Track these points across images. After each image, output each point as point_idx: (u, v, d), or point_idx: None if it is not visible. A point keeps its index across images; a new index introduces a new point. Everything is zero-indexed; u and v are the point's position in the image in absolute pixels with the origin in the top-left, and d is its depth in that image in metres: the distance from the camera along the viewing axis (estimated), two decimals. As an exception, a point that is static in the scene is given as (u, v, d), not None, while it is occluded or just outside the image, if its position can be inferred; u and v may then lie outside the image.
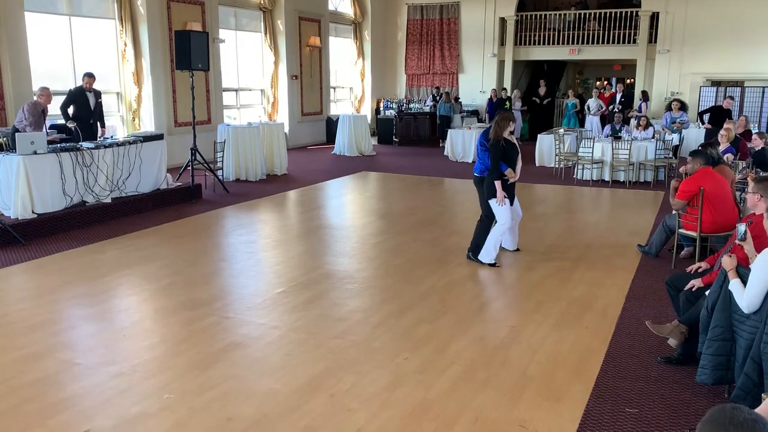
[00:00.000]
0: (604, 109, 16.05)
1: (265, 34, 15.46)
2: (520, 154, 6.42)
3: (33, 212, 7.49)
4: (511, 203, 6.32)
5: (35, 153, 7.52)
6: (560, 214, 9.12)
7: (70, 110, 9.19)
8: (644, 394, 3.83)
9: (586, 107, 16.49)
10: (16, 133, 7.70)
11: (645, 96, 16.31)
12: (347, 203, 10.21)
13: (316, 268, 6.39)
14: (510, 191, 6.30)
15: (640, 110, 15.55)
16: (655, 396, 3.81)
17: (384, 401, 3.74)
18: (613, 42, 18.06)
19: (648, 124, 12.10)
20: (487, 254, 6.30)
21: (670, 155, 11.75)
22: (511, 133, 6.25)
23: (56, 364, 4.21)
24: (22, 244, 7.00)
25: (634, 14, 17.70)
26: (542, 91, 18.32)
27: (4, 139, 8.38)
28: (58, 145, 8.08)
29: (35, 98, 8.87)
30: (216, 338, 4.68)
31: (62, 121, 9.37)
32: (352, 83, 19.75)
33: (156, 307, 5.40)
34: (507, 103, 17.10)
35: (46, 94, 8.74)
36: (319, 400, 3.76)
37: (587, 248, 7.13)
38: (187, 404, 3.72)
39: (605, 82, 22.00)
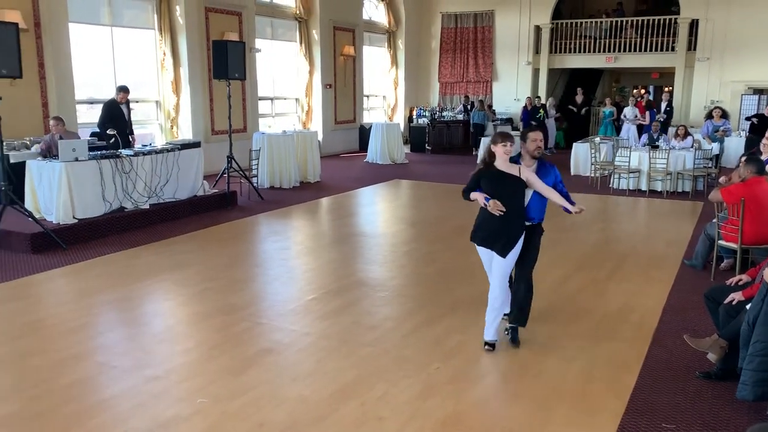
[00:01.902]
0: (641, 118, 15.78)
1: (301, 43, 15.63)
2: (521, 191, 4.45)
3: (74, 217, 7.68)
4: (489, 246, 4.50)
5: (77, 160, 7.72)
6: (596, 224, 8.99)
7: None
8: (682, 409, 3.74)
9: (622, 116, 16.24)
10: (59, 141, 7.91)
11: (649, 105, 16.06)
12: (379, 211, 10.23)
13: (347, 276, 6.41)
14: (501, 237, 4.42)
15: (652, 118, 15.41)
16: (692, 412, 3.71)
17: (414, 411, 3.72)
18: (651, 50, 17.78)
19: (687, 133, 11.86)
20: (488, 332, 4.60)
21: (710, 164, 11.48)
22: (514, 159, 4.52)
23: (94, 366, 4.31)
24: (63, 249, 7.18)
25: (672, 21, 17.40)
26: (579, 99, 18.12)
27: (43, 150, 8.59)
28: (99, 152, 8.28)
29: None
30: (249, 344, 4.72)
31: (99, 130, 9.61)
32: (385, 91, 19.82)
33: (191, 312, 5.48)
34: (541, 111, 16.95)
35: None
36: (350, 408, 3.76)
37: (623, 259, 7.00)
38: (220, 409, 3.76)
39: (643, 90, 21.68)
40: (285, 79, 15.68)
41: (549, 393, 3.95)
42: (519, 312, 4.66)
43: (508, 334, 4.72)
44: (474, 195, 4.48)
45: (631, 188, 11.35)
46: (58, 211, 7.57)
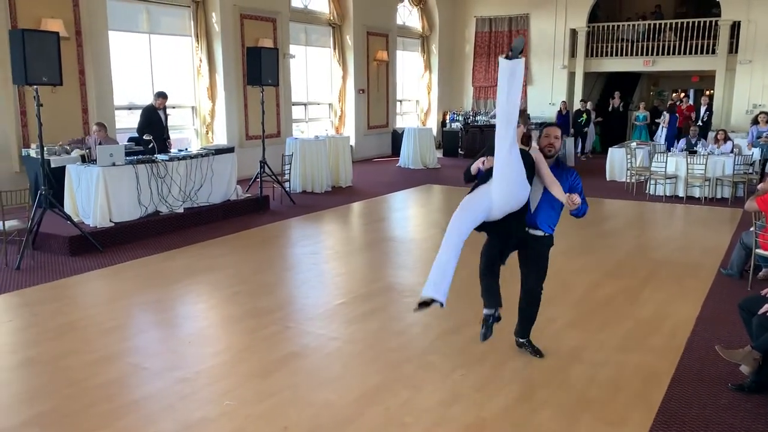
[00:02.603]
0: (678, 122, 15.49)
1: (334, 49, 15.75)
2: (527, 169, 4.03)
3: (110, 221, 7.87)
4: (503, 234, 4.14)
5: (114, 165, 7.92)
6: (630, 231, 8.84)
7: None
8: (712, 422, 3.66)
9: (661, 120, 15.94)
10: (98, 146, 8.13)
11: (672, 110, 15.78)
12: (410, 216, 10.24)
13: (376, 281, 6.43)
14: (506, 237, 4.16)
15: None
16: (723, 425, 3.63)
17: (439, 417, 3.72)
18: (691, 52, 17.40)
19: (726, 138, 11.58)
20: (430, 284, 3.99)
21: (750, 170, 11.18)
22: (528, 136, 4.22)
23: (125, 367, 4.41)
24: (100, 251, 7.36)
25: (713, 24, 17.01)
26: (616, 102, 17.85)
27: (87, 151, 8.85)
28: (135, 157, 8.48)
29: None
30: (277, 347, 4.78)
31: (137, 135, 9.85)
32: (418, 96, 19.83)
33: (222, 315, 5.57)
34: (584, 116, 16.73)
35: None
36: (374, 413, 3.77)
37: (658, 267, 6.87)
38: (246, 411, 3.81)
39: (682, 94, 21.24)
40: (318, 84, 15.82)
41: (574, 402, 3.90)
42: (520, 324, 4.56)
43: (525, 349, 4.58)
44: (474, 167, 4.10)
45: (667, 194, 11.13)
46: (95, 214, 7.77)
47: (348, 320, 5.30)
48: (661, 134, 15.51)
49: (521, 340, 4.61)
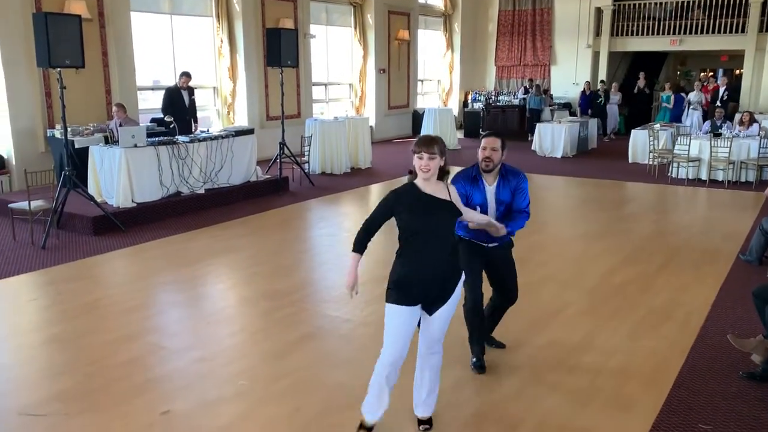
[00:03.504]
0: (703, 103, 15.21)
1: (355, 28, 15.69)
2: (454, 222, 3.32)
3: (133, 201, 8.02)
4: (421, 303, 3.27)
5: (135, 146, 8.05)
6: (650, 215, 8.77)
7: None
8: (721, 410, 3.67)
9: (686, 101, 15.66)
10: (120, 127, 8.26)
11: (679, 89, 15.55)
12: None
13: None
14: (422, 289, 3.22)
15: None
16: (732, 414, 3.64)
17: (449, 400, 3.77)
18: (720, 31, 17.02)
19: (752, 120, 11.36)
20: (366, 404, 3.41)
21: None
22: (445, 172, 3.27)
23: (145, 347, 4.54)
24: (122, 231, 7.52)
25: (743, 2, 16.58)
26: (641, 83, 17.54)
27: (109, 132, 8.99)
28: (156, 138, 8.60)
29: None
30: (292, 329, 4.87)
31: (161, 115, 9.97)
32: (440, 76, 19.70)
33: (239, 296, 5.69)
34: (601, 97, 16.51)
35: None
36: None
37: (675, 252, 6.83)
38: (260, 392, 3.92)
39: (710, 74, 20.82)
40: (339, 64, 15.79)
41: (584, 387, 3.94)
42: (490, 323, 4.37)
43: (492, 345, 4.43)
44: (353, 263, 3.38)
45: (690, 178, 10.99)
46: (118, 195, 7.92)
47: (363, 303, 5.37)
48: (687, 115, 15.26)
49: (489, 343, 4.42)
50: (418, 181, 3.21)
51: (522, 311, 5.12)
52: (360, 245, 3.32)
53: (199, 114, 12.18)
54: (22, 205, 7.07)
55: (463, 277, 3.37)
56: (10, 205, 7.32)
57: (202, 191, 8.82)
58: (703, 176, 10.89)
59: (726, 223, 8.16)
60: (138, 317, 5.07)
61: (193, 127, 9.91)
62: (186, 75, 9.91)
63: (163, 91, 10.25)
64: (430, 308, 3.26)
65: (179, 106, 9.79)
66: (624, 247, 6.99)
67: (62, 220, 7.55)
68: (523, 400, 3.79)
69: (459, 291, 3.32)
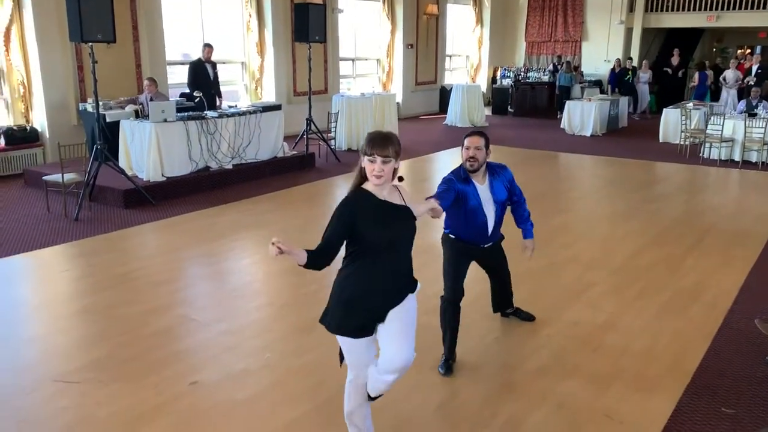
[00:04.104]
0: (741, 82, 14.83)
1: (383, 2, 15.54)
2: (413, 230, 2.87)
3: (163, 175, 8.15)
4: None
5: (165, 121, 8.14)
6: (679, 196, 8.64)
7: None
8: (745, 395, 3.65)
9: (721, 79, 15.28)
10: (150, 102, 8.36)
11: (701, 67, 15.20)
12: (455, 176, 10.21)
13: (421, 238, 6.50)
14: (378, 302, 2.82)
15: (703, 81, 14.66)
16: (756, 398, 3.62)
17: (469, 377, 3.82)
18: (758, 7, 16.47)
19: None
20: (349, 427, 3.11)
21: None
22: (399, 179, 2.83)
23: (174, 318, 4.65)
24: (153, 205, 7.66)
25: (784, -24, 16.03)
26: (675, 61, 17.13)
27: (140, 106, 9.11)
28: (186, 113, 8.69)
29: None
30: (317, 304, 4.89)
31: (188, 90, 10.05)
32: (468, 51, 19.46)
33: (266, 271, 5.77)
34: (629, 74, 16.18)
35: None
36: (408, 371, 3.89)
37: (705, 234, 6.74)
38: (285, 365, 4.00)
39: (747, 51, 20.24)
40: (366, 39, 15.70)
41: (606, 368, 3.94)
42: (501, 300, 4.52)
43: (514, 314, 4.58)
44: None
45: (722, 158, 10.76)
46: (148, 169, 8.05)
47: (387, 280, 5.41)
48: (726, 94, 14.90)
49: (509, 311, 4.59)
50: (369, 186, 2.71)
51: (545, 292, 5.13)
52: (313, 264, 2.68)
53: (226, 89, 12.26)
54: (56, 177, 7.24)
55: (419, 286, 2.98)
56: (44, 178, 7.49)
57: (230, 166, 8.92)
58: (736, 157, 10.66)
59: (758, 206, 8.01)
60: (167, 290, 5.19)
61: (218, 102, 9.95)
62: (208, 46, 9.94)
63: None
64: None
65: (204, 81, 9.83)
66: (652, 229, 6.91)
67: (94, 193, 7.71)
68: (544, 381, 3.81)
69: (414, 304, 2.95)
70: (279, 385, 3.76)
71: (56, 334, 4.44)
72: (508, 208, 4.12)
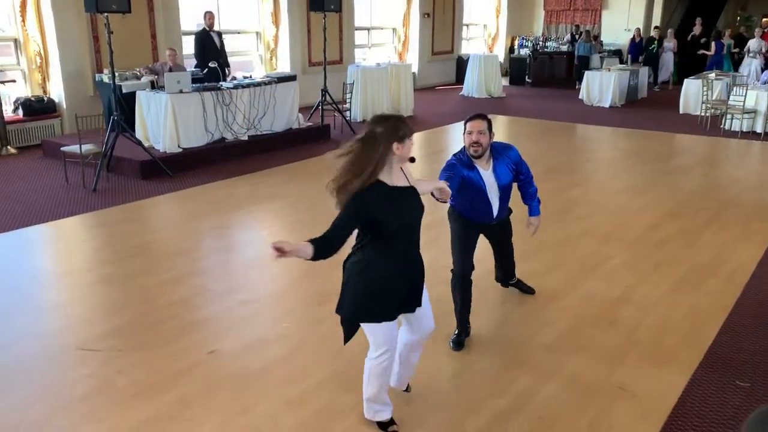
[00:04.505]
0: (765, 51, 14.50)
1: (400, -29, 15.33)
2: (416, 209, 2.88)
3: (179, 147, 8.18)
4: (408, 308, 3.00)
5: (181, 92, 8.15)
6: (699, 168, 8.53)
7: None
8: (760, 368, 3.65)
9: (745, 49, 14.94)
10: (166, 73, 8.35)
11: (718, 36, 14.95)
12: (471, 147, 10.14)
13: (431, 212, 6.42)
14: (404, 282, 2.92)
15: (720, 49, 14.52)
16: (771, 372, 3.62)
17: (482, 350, 3.85)
18: (786, -26, 16.03)
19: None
20: (369, 408, 3.15)
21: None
22: (411, 159, 2.85)
23: (192, 288, 4.72)
24: (169, 176, 7.71)
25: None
26: (697, 30, 16.73)
27: (155, 77, 9.11)
28: (201, 84, 8.67)
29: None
30: (332, 276, 4.93)
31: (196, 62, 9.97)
32: (486, 20, 19.17)
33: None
34: (654, 43, 15.85)
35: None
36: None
37: (723, 207, 6.66)
38: (302, 334, 4.06)
39: (773, 19, 19.71)
40: (382, 8, 15.50)
41: (621, 341, 3.95)
42: (505, 272, 4.49)
43: (515, 285, 4.58)
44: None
45: (744, 130, 10.58)
46: (164, 140, 8.09)
47: (402, 251, 5.43)
48: (749, 64, 14.59)
49: (511, 282, 4.57)
50: (382, 176, 2.72)
51: (560, 265, 5.13)
52: (320, 256, 2.69)
53: (241, 59, 12.21)
54: (74, 148, 7.29)
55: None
56: (62, 149, 7.55)
57: (245, 138, 8.93)
58: (758, 129, 10.48)
59: (779, 179, 7.89)
60: (185, 260, 5.25)
61: (227, 72, 9.83)
62: (209, 13, 9.76)
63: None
64: (412, 307, 2.98)
65: (211, 51, 9.67)
66: (669, 201, 6.85)
67: (111, 164, 7.77)
68: (557, 353, 3.83)
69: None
70: (296, 354, 3.82)
71: (77, 303, 4.53)
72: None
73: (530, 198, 4.16)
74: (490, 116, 3.72)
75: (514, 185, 4.02)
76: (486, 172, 3.80)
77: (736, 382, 3.51)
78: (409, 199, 2.81)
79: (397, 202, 2.74)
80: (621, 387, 3.48)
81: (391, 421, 3.13)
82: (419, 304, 3.00)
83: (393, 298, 2.86)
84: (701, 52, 15.48)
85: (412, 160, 2.83)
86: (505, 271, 4.52)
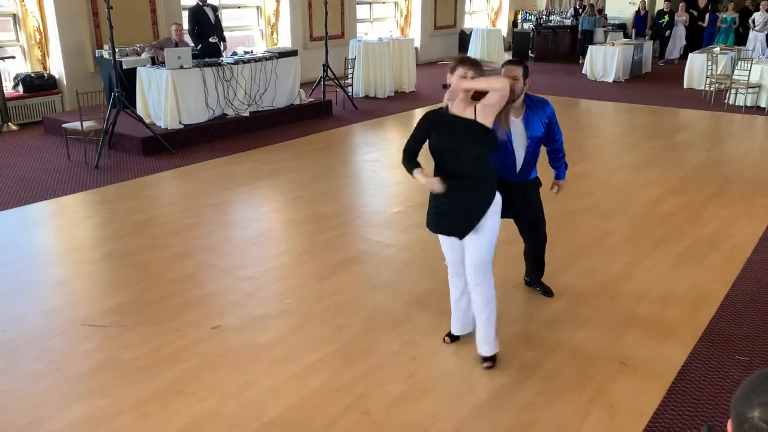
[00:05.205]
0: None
1: (402, -57, 15.11)
2: (484, 142, 3.19)
3: (180, 123, 8.16)
4: (447, 231, 3.36)
5: (182, 68, 8.10)
6: (702, 144, 8.49)
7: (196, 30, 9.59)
8: (759, 343, 3.68)
9: (750, 21, 14.75)
10: (166, 49, 8.29)
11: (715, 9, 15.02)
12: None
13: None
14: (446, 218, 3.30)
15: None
16: (771, 347, 3.64)
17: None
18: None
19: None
20: (485, 342, 3.46)
21: None
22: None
23: (196, 264, 4.74)
24: (171, 152, 7.70)
25: None
26: (702, 2, 16.52)
27: (155, 53, 9.03)
28: (202, 60, 8.61)
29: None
30: (335, 252, 5.00)
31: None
32: (489, -6, 18.93)
33: (284, 219, 5.83)
34: (664, 18, 15.64)
35: None
36: (423, 318, 3.97)
37: (726, 183, 6.65)
38: (305, 310, 4.08)
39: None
40: (384, -18, 15.32)
41: (622, 317, 3.98)
42: (532, 269, 4.27)
43: (537, 289, 4.29)
44: (418, 176, 3.23)
45: (748, 105, 10.49)
46: (165, 116, 8.06)
47: (403, 228, 5.45)
48: (755, 38, 14.42)
49: (536, 286, 4.32)
50: (453, 105, 3.21)
51: (561, 240, 5.13)
52: (412, 164, 3.27)
53: (242, 33, 12.09)
54: (75, 125, 7.28)
55: (497, 204, 3.28)
56: (63, 125, 7.53)
57: (246, 114, 8.89)
58: (763, 104, 10.39)
59: (783, 154, 7.86)
60: (188, 236, 5.27)
61: (222, 47, 9.68)
62: None
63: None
64: (461, 235, 3.30)
65: (206, 26, 9.41)
66: (672, 177, 6.83)
67: (113, 141, 7.75)
68: (559, 329, 3.85)
69: (494, 221, 3.28)
70: (299, 330, 3.85)
71: (81, 279, 4.56)
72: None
73: (557, 161, 4.04)
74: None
75: (543, 151, 3.90)
76: (516, 120, 3.70)
77: (736, 357, 3.54)
78: (464, 129, 3.15)
79: (449, 128, 3.18)
80: (622, 361, 3.51)
81: (448, 334, 3.69)
82: (459, 234, 3.29)
83: (435, 215, 3.34)
84: (699, 23, 15.44)
85: (444, 86, 3.19)
86: (533, 268, 4.23)
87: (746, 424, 1.10)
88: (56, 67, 9.43)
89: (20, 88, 9.13)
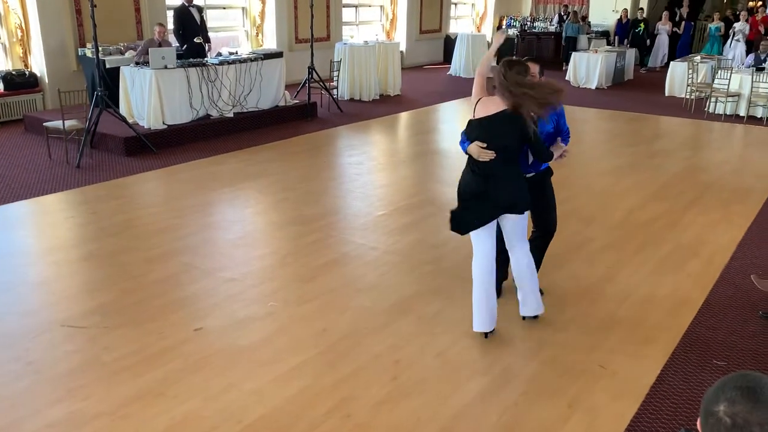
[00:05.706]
0: (748, 34, 14.58)
1: (388, -53, 15.14)
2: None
3: (163, 123, 8.10)
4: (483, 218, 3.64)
5: (166, 68, 8.05)
6: (682, 151, 8.61)
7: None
8: (736, 348, 3.74)
9: (730, 32, 14.99)
10: (151, 49, 8.23)
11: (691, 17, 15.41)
12: (458, 129, 10.12)
13: (418, 194, 6.54)
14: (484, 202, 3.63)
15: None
16: (747, 352, 3.70)
17: (467, 329, 3.89)
18: (773, -43, 16.05)
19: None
20: (537, 302, 3.94)
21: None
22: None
23: (178, 266, 4.71)
24: (154, 153, 7.64)
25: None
26: (684, 12, 16.75)
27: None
28: (187, 60, 8.56)
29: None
30: (319, 254, 5.00)
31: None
32: None
33: (268, 221, 5.81)
34: (640, 26, 15.86)
35: None
36: (407, 321, 3.98)
37: (705, 190, 6.75)
38: (288, 312, 4.08)
39: (759, 3, 19.78)
40: (370, -15, 15.34)
41: (602, 320, 4.02)
42: (536, 261, 4.12)
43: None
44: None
45: (728, 113, 10.66)
46: (149, 116, 8.00)
47: (388, 231, 5.46)
48: (731, 46, 14.66)
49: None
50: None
51: (552, 247, 5.16)
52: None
53: (227, 35, 12.04)
54: (57, 124, 7.20)
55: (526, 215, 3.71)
56: (45, 124, 7.45)
57: (231, 115, 8.86)
58: (742, 112, 10.56)
59: (761, 162, 7.99)
60: (170, 237, 5.24)
61: (207, 48, 9.61)
62: None
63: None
64: (524, 207, 3.63)
65: (191, 27, 9.33)
66: (653, 184, 6.92)
67: (95, 140, 7.69)
68: (539, 332, 3.89)
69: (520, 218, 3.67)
70: (282, 332, 3.84)
71: (62, 280, 4.51)
72: None
73: (564, 141, 4.02)
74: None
75: None
76: None
77: (714, 361, 3.59)
78: (497, 122, 3.55)
79: (486, 121, 3.60)
80: (602, 366, 3.55)
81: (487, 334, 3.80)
82: (485, 219, 3.58)
83: (465, 205, 3.63)
84: (675, 30, 15.82)
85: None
86: (537, 257, 4.08)
87: (711, 419, 1.15)
88: (38, 65, 9.33)
89: (1, 86, 9.01)
